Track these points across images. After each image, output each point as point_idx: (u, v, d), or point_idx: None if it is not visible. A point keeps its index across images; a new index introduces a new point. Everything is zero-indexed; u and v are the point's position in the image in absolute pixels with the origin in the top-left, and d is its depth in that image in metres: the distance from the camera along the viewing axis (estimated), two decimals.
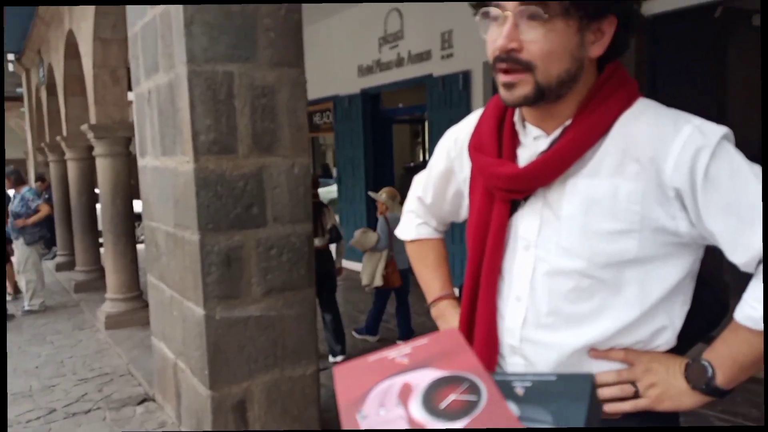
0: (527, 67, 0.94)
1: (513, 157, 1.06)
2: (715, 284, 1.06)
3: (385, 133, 7.88)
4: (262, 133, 2.94)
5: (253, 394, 3.00)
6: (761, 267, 0.92)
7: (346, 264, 8.07)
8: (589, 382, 0.88)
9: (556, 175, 1.00)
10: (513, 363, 1.08)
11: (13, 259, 6.99)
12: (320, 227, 4.46)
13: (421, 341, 0.93)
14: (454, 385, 0.84)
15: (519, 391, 0.87)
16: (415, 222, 1.40)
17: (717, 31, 4.87)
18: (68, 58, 6.96)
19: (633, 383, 1.01)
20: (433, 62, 6.36)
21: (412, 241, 1.41)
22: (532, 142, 1.05)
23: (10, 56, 15.45)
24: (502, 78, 0.97)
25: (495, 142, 1.08)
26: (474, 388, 0.83)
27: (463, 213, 1.28)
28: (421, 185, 1.35)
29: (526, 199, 1.05)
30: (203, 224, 2.83)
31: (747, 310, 0.94)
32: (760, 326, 0.92)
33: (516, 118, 1.08)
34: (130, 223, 5.98)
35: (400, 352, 0.92)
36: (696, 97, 4.77)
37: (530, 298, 1.05)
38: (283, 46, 2.95)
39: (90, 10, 5.47)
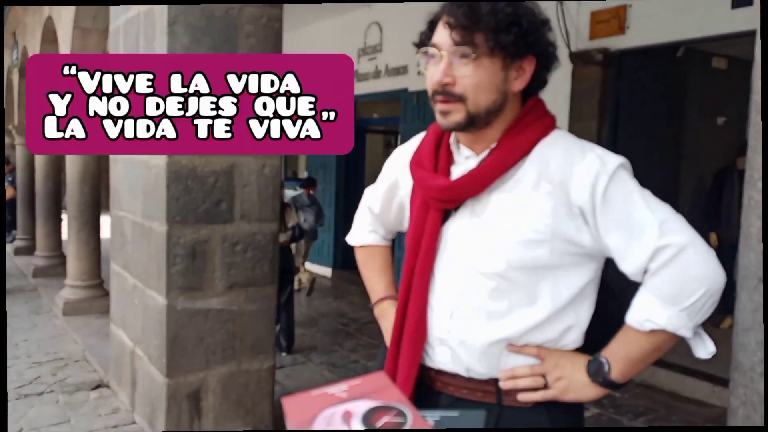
0: (459, 99, 1.12)
1: (447, 173, 1.24)
2: (621, 298, 1.21)
3: (359, 142, 8.01)
4: None
5: (208, 384, 3.08)
6: (646, 276, 1.10)
7: (311, 268, 8.16)
8: (482, 418, 1.13)
9: (482, 188, 1.17)
10: (441, 352, 1.23)
11: None
12: (282, 225, 4.61)
13: (355, 381, 1.09)
14: (385, 411, 1.00)
15: (429, 422, 1.06)
16: (365, 229, 1.54)
17: (678, 70, 5.14)
18: (45, 43, 6.92)
19: (543, 376, 1.17)
20: (409, 77, 6.53)
21: (361, 247, 1.55)
22: (464, 161, 1.23)
23: None
24: (438, 107, 1.15)
25: (433, 160, 1.26)
26: (401, 414, 1.00)
27: (406, 223, 1.43)
28: (370, 197, 1.50)
29: (456, 208, 1.22)
30: (171, 216, 2.92)
31: (633, 314, 1.12)
32: (644, 327, 1.10)
33: (452, 140, 1.27)
34: (95, 211, 5.98)
35: (338, 388, 1.06)
36: (655, 131, 5.03)
37: (458, 295, 1.21)
38: (262, 52, 3.06)
39: None
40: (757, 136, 1.11)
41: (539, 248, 1.13)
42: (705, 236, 5.46)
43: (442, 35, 1.13)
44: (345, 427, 0.97)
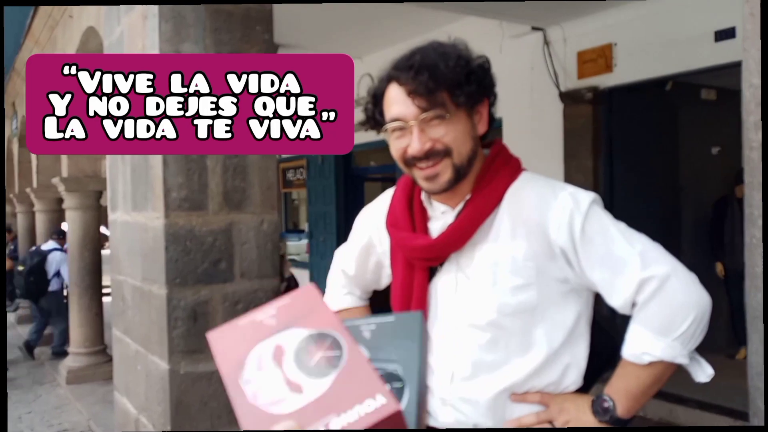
0: (446, 154, 1.13)
1: (425, 230, 1.24)
2: (610, 330, 1.24)
3: (357, 191, 8.05)
4: (232, 191, 3.05)
5: None
6: (635, 310, 1.11)
7: None
8: (419, 320, 1.09)
9: (464, 242, 1.18)
10: (445, 413, 1.20)
11: None
12: (280, 276, 4.64)
13: (283, 301, 1.03)
14: (319, 342, 0.94)
15: (366, 334, 1.03)
16: (340, 292, 1.52)
17: (668, 103, 5.20)
18: None
19: (550, 422, 1.16)
20: None
21: (339, 311, 1.50)
22: (441, 216, 1.24)
23: None
24: (423, 173, 1.15)
25: (408, 218, 1.26)
26: (336, 344, 0.94)
27: (384, 281, 1.45)
28: (343, 260, 1.50)
29: (441, 264, 1.22)
30: (171, 278, 2.89)
31: (629, 348, 1.12)
32: (642, 361, 1.10)
33: (423, 197, 1.27)
34: (97, 277, 5.96)
35: (266, 313, 1.00)
36: (651, 164, 5.05)
37: (455, 353, 1.19)
38: None
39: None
40: (753, 173, 1.10)
41: (527, 292, 1.14)
42: (711, 267, 5.44)
43: (403, 106, 1.13)
44: (278, 369, 0.91)
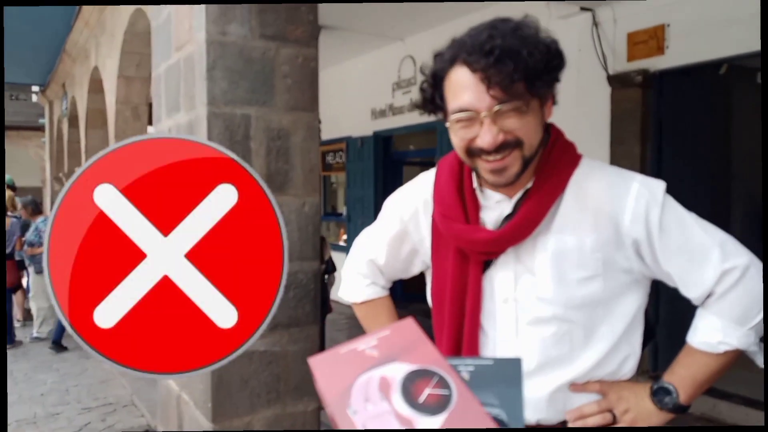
0: (516, 145, 1.05)
1: (478, 221, 1.17)
2: (645, 315, 1.21)
3: (396, 175, 8.03)
4: (275, 173, 3.06)
5: (254, 429, 3.04)
6: (710, 299, 1.09)
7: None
8: (519, 367, 1.04)
9: (527, 235, 1.12)
10: None
11: (25, 284, 7.09)
12: (320, 258, 4.66)
13: (384, 332, 1.02)
14: (425, 379, 0.94)
15: (464, 375, 1.00)
16: (363, 283, 1.45)
17: (722, 87, 4.99)
18: (92, 93, 7.22)
19: (610, 411, 1.15)
20: None
21: (362, 303, 1.46)
22: (496, 205, 1.17)
23: (35, 88, 15.93)
24: (491, 165, 1.07)
25: (460, 208, 1.18)
26: (443, 382, 0.94)
27: (414, 269, 1.39)
28: (372, 248, 1.42)
29: (497, 257, 1.17)
30: None
31: (702, 338, 1.10)
32: (718, 350, 1.09)
33: (475, 185, 1.19)
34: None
35: (367, 344, 1.00)
36: (701, 151, 4.87)
37: (518, 347, 1.16)
38: (300, 92, 3.09)
39: (116, 50, 5.71)
40: None
41: (593, 284, 1.11)
42: (762, 260, 5.28)
43: (475, 95, 1.02)
44: (385, 402, 0.91)
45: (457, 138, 1.09)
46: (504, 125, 1.04)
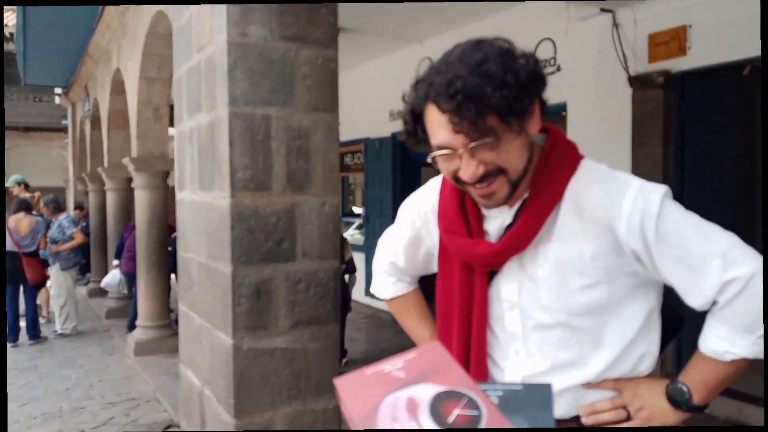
0: (500, 172, 1.06)
1: (481, 233, 1.19)
2: (672, 303, 1.20)
3: (414, 176, 8.04)
4: (295, 173, 3.10)
5: (275, 425, 3.08)
6: (715, 308, 1.07)
7: (372, 302, 8.16)
8: (550, 392, 1.02)
9: (527, 245, 1.13)
10: None
11: (49, 282, 7.21)
12: (341, 258, 4.70)
13: (410, 355, 1.02)
14: (454, 400, 0.93)
15: (493, 400, 0.99)
16: (390, 281, 1.50)
17: (745, 89, 4.93)
18: (114, 94, 7.32)
19: (624, 407, 1.15)
20: None
21: (391, 299, 1.52)
22: (497, 215, 1.18)
23: (58, 90, 16.18)
24: (480, 192, 1.08)
25: (462, 222, 1.20)
26: (473, 403, 0.93)
27: (434, 267, 1.40)
28: (392, 251, 1.46)
29: (501, 266, 1.19)
30: (236, 257, 2.97)
31: (710, 345, 1.09)
32: (725, 358, 1.07)
33: None
34: (163, 254, 6.18)
35: (394, 365, 1.00)
36: (724, 153, 4.82)
37: (527, 350, 1.18)
38: (320, 93, 3.12)
39: (137, 51, 5.79)
40: None
41: (596, 291, 1.11)
42: None
43: (448, 134, 1.02)
44: (413, 422, 0.91)
45: (443, 169, 1.11)
46: (483, 158, 1.04)
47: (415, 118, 1.11)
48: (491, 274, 1.20)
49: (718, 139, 4.75)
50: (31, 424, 4.28)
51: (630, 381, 1.16)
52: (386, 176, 7.99)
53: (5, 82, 21.55)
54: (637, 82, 4.71)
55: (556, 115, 5.38)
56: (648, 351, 1.17)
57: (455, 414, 0.91)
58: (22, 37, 8.18)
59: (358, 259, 7.25)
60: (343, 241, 5.07)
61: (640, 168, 4.61)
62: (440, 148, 1.06)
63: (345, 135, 7.99)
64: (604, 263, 1.09)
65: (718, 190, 4.59)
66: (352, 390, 0.97)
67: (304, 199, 3.14)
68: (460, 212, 1.21)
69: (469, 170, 1.04)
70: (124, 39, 6.40)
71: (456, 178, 1.09)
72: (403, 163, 7.93)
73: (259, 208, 3.02)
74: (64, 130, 15.59)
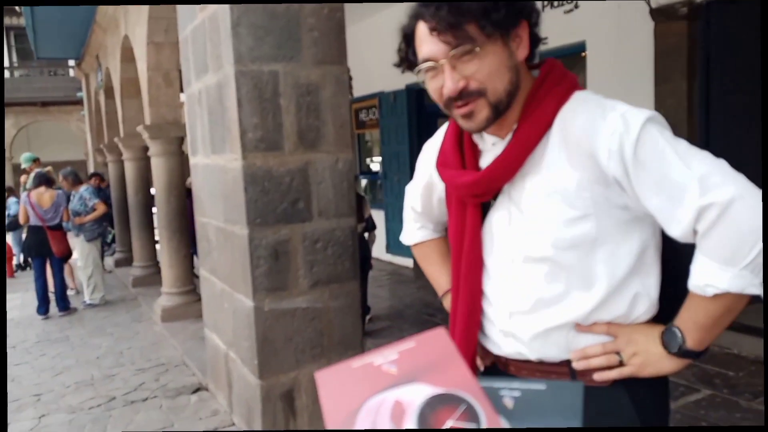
0: (479, 94, 1.06)
1: (476, 166, 1.19)
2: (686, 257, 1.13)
3: (431, 128, 7.85)
4: (306, 130, 3.02)
5: (300, 384, 3.09)
6: (697, 238, 1.00)
7: (393, 259, 8.15)
8: (580, 393, 0.85)
9: (513, 173, 1.11)
10: (507, 343, 1.20)
11: (74, 255, 7.30)
12: (359, 216, 4.66)
13: (407, 345, 0.88)
14: (449, 407, 0.79)
15: (508, 402, 0.84)
16: (414, 227, 1.54)
17: None
18: (124, 62, 7.24)
19: (618, 353, 1.11)
20: None
21: (415, 245, 1.55)
22: (491, 148, 1.17)
23: (71, 62, 16.16)
24: (460, 111, 1.09)
25: (457, 156, 1.22)
26: (471, 412, 0.78)
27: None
28: (410, 197, 1.50)
29: (495, 198, 1.17)
30: (251, 219, 2.93)
31: (692, 280, 1.03)
32: (707, 293, 1.00)
33: None
34: (183, 220, 6.19)
35: (386, 357, 0.86)
36: (753, 86, 4.60)
37: (513, 286, 1.17)
38: (327, 45, 3.01)
39: (144, 16, 5.69)
40: None
41: (585, 223, 1.07)
42: None
43: (431, 44, 1.06)
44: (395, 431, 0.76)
45: (431, 90, 1.12)
46: (464, 71, 1.05)
47: (407, 41, 1.14)
48: (485, 209, 1.20)
49: (747, 71, 4.52)
50: (65, 392, 4.37)
51: (625, 327, 1.12)
52: (402, 130, 7.86)
53: (20, 57, 21.61)
54: (660, 14, 4.48)
55: (576, 55, 5.18)
56: (643, 292, 1.12)
57: (448, 425, 0.77)
58: (29, 10, 8.09)
59: (377, 216, 7.22)
60: (362, 198, 5.02)
61: (665, 105, 4.43)
62: (425, 61, 1.08)
63: (359, 90, 7.85)
64: (591, 194, 1.05)
65: (747, 126, 4.39)
66: (332, 387, 0.85)
67: (317, 157, 3.07)
68: (457, 147, 1.22)
69: (448, 82, 1.05)
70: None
71: (443, 102, 1.10)
72: (419, 115, 7.78)
73: (271, 169, 2.96)
74: (80, 102, 15.61)
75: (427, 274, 1.54)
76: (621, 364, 1.11)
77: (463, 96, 1.06)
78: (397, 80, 7.77)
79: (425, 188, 1.42)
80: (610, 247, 1.08)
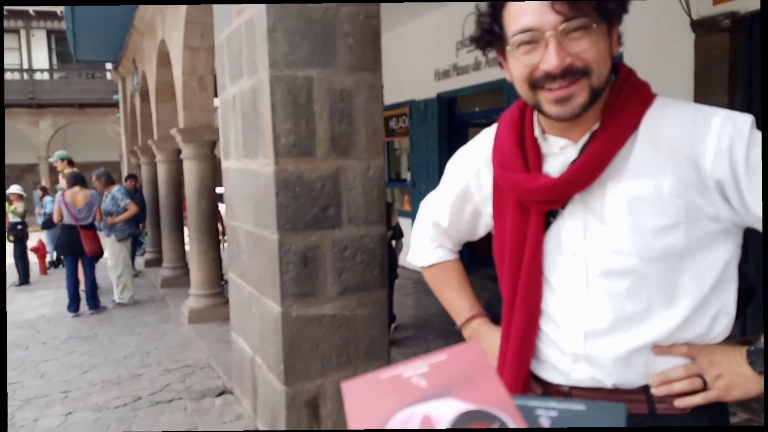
0: (584, 74, 0.97)
1: (540, 170, 1.09)
2: (745, 270, 1.09)
3: (461, 137, 7.84)
4: (339, 136, 3.01)
5: (326, 392, 3.06)
6: None
7: (417, 267, 8.10)
8: (623, 415, 0.81)
9: (593, 179, 1.03)
10: (578, 369, 1.09)
11: (105, 254, 7.40)
12: (387, 224, 4.64)
13: (439, 357, 0.84)
14: (482, 423, 0.75)
15: (544, 422, 0.79)
16: (430, 247, 1.41)
17: None
18: (160, 66, 7.36)
19: (700, 376, 1.03)
20: None
21: (430, 266, 1.41)
22: (559, 152, 1.08)
23: (108, 66, 16.50)
24: (554, 95, 0.99)
25: (520, 157, 1.10)
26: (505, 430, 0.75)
27: (480, 231, 1.33)
28: (435, 209, 1.36)
29: (563, 208, 1.08)
30: (282, 224, 2.92)
31: None
32: None
33: (537, 132, 1.11)
34: (213, 223, 6.25)
35: (416, 370, 0.82)
36: None
37: (589, 302, 1.07)
38: (362, 51, 3.00)
39: (180, 21, 5.77)
40: None
41: (674, 233, 1.00)
42: None
43: (539, 14, 0.95)
44: None
45: (519, 65, 1.00)
46: (571, 48, 0.95)
47: (494, 13, 1.03)
48: (548, 218, 1.09)
49: None
50: (92, 390, 4.42)
51: (705, 347, 1.04)
52: (432, 139, 7.82)
53: (59, 60, 22.16)
54: (701, 26, 4.39)
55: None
56: (723, 309, 1.05)
57: None
58: (70, 13, 8.29)
59: (405, 224, 7.18)
60: (390, 206, 5.00)
61: None
62: (524, 31, 0.97)
63: (389, 98, 7.85)
64: (684, 201, 0.98)
65: None
66: (359, 398, 0.80)
67: (349, 164, 3.05)
68: (519, 149, 1.11)
69: (553, 58, 0.95)
70: (168, 9, 6.38)
71: (531, 81, 1.00)
72: (449, 124, 7.74)
73: (303, 174, 2.95)
74: (116, 105, 15.93)
75: (443, 298, 1.41)
76: (704, 388, 1.03)
77: (566, 75, 0.96)
78: (429, 89, 7.76)
79: (458, 198, 1.30)
80: (695, 260, 1.02)
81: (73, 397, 4.29)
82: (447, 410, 0.76)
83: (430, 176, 7.83)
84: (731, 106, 4.32)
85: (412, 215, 8.32)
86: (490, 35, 1.05)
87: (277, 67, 2.87)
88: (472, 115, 8.04)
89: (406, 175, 9.03)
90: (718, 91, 4.34)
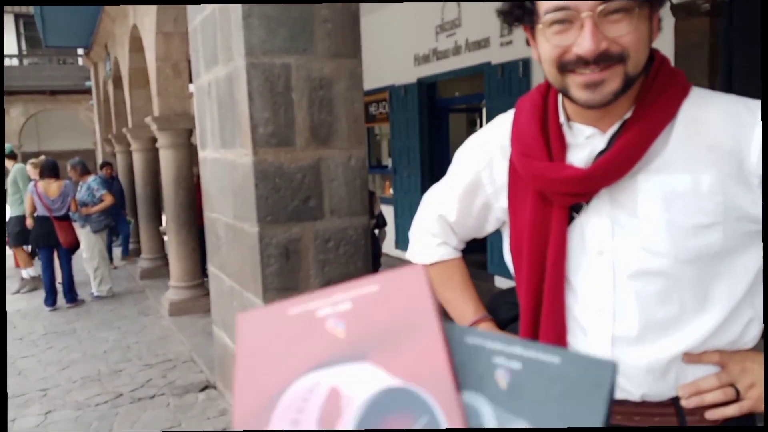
0: (620, 59, 0.90)
1: (563, 160, 1.01)
2: None
3: (441, 123, 7.79)
4: (319, 126, 2.94)
5: None
6: None
7: (402, 255, 8.07)
8: (609, 375, 0.53)
9: (625, 172, 0.95)
10: None
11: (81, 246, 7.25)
12: (370, 213, 4.61)
13: (368, 287, 0.60)
14: (403, 416, 0.53)
15: (500, 378, 0.55)
16: (433, 243, 1.30)
17: None
18: (133, 52, 7.17)
19: (732, 385, 0.97)
20: (491, 50, 6.22)
21: (432, 264, 1.30)
22: (585, 142, 1.01)
23: (80, 51, 16.10)
24: (585, 79, 0.91)
25: (543, 146, 1.02)
26: (433, 425, 0.52)
27: (489, 227, 1.23)
28: (440, 203, 1.27)
29: (587, 202, 1.00)
30: (262, 216, 2.85)
31: None
32: None
33: (562, 119, 1.03)
34: (191, 213, 6.13)
35: (335, 305, 0.59)
36: None
37: (615, 306, 0.99)
38: (341, 37, 2.92)
39: (152, 6, 5.61)
40: None
41: (712, 233, 0.93)
42: None
43: None
44: None
45: (549, 45, 0.93)
46: (608, 31, 0.88)
47: None
48: (571, 213, 1.01)
49: None
50: (71, 387, 4.33)
51: (736, 354, 0.98)
52: (413, 124, 7.75)
53: (29, 45, 21.59)
54: (681, 9, 4.36)
55: None
56: (755, 316, 0.99)
57: None
58: None
59: (387, 212, 7.14)
60: (372, 194, 4.96)
61: None
62: (558, 10, 0.89)
63: (369, 84, 7.75)
64: (724, 199, 0.92)
65: None
66: (254, 347, 0.59)
67: (330, 153, 2.98)
68: (541, 135, 1.03)
69: (588, 41, 0.88)
70: None
71: (561, 64, 0.92)
72: (430, 109, 7.67)
73: (283, 165, 2.88)
74: (89, 91, 15.57)
75: (444, 300, 1.28)
76: (737, 398, 0.97)
77: (600, 60, 0.89)
78: (409, 74, 7.67)
79: (467, 190, 1.19)
80: (731, 263, 0.96)
81: (51, 395, 4.20)
82: (363, 384, 0.55)
83: (411, 162, 7.77)
84: (711, 89, 4.31)
85: (393, 202, 8.28)
86: (520, 10, 0.97)
87: (254, 54, 2.78)
88: (452, 100, 7.97)
89: (387, 162, 8.97)
90: (698, 75, 4.33)
